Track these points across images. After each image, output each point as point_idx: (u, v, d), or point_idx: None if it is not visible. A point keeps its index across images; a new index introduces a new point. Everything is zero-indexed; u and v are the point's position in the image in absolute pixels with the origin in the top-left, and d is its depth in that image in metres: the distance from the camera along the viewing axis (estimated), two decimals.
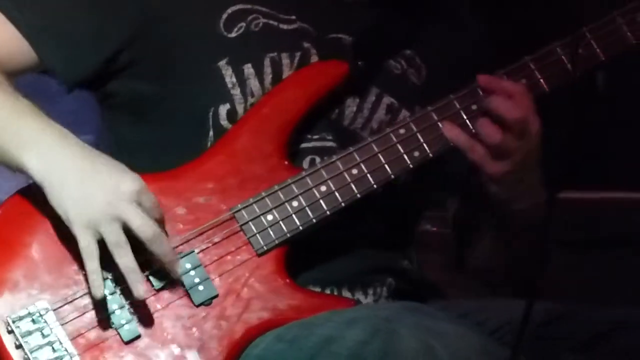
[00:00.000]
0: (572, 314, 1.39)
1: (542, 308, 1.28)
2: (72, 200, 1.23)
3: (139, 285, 1.21)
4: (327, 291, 1.44)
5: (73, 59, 1.42)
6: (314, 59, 1.48)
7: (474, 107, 1.41)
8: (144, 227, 1.21)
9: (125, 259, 1.20)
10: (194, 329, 1.28)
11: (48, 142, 1.27)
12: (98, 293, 1.21)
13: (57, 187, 1.23)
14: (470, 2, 1.80)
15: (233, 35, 1.46)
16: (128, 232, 1.21)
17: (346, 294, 1.46)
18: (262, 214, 1.34)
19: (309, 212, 1.36)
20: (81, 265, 1.23)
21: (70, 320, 1.22)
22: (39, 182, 1.21)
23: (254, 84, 1.45)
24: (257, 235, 1.33)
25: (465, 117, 1.41)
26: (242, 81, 1.45)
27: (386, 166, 1.39)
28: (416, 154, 1.39)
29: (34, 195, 1.27)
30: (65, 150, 1.27)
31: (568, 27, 1.43)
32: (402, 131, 1.40)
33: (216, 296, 1.30)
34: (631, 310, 1.41)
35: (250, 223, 1.33)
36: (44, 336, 1.22)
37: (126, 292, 1.25)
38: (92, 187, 1.24)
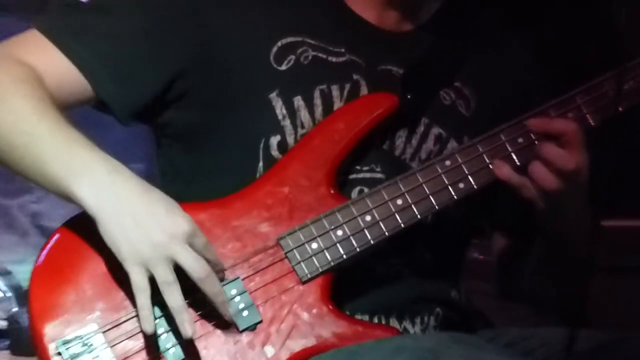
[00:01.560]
0: (617, 342, 1.35)
1: (587, 336, 1.19)
2: (125, 238, 1.24)
3: (187, 325, 1.23)
4: (375, 320, 1.44)
5: (127, 91, 1.44)
6: (364, 90, 1.49)
7: (520, 140, 1.42)
8: (196, 268, 1.22)
9: (174, 298, 1.22)
10: (238, 355, 1.29)
11: (101, 173, 1.27)
12: (148, 327, 1.23)
13: (110, 222, 1.24)
14: (522, 22, 1.87)
15: (283, 67, 1.48)
16: (178, 269, 1.23)
17: (394, 323, 1.46)
18: (307, 242, 1.35)
19: (353, 242, 1.35)
20: (129, 292, 1.25)
21: (118, 343, 1.24)
22: (92, 213, 1.23)
23: (304, 115, 1.46)
24: (302, 263, 1.34)
25: (510, 149, 1.42)
26: (292, 113, 1.46)
27: (431, 197, 1.39)
28: (461, 185, 1.39)
29: (85, 222, 1.27)
30: (120, 184, 1.28)
31: (612, 60, 1.42)
32: (447, 162, 1.40)
33: (260, 322, 1.30)
34: None
35: (294, 251, 1.34)
36: (92, 358, 1.24)
37: (177, 320, 1.26)
38: (146, 227, 1.25)
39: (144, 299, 1.20)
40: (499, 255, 1.74)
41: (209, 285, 1.23)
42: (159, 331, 1.27)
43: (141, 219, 1.24)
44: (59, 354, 1.22)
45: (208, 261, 1.25)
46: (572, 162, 1.33)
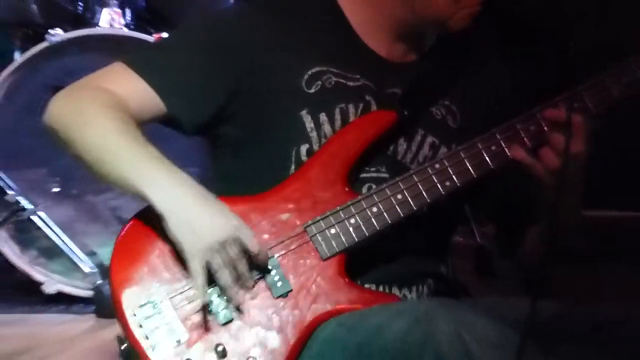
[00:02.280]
0: (573, 310, 1.54)
1: (548, 305, 1.41)
2: (186, 234, 1.46)
3: (236, 296, 1.45)
4: (380, 289, 1.66)
5: (192, 110, 1.67)
6: (373, 108, 1.70)
7: (493, 147, 1.62)
8: (249, 249, 1.47)
9: (225, 278, 1.44)
10: (274, 316, 1.49)
11: (168, 182, 1.49)
12: (203, 298, 1.45)
13: (174, 221, 1.45)
14: (500, 53, 1.96)
15: (312, 91, 1.68)
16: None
17: (395, 291, 1.68)
18: (327, 229, 1.56)
19: (363, 228, 1.56)
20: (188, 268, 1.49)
21: (181, 307, 1.45)
22: (160, 212, 1.45)
23: (327, 128, 1.67)
24: (323, 245, 1.55)
25: (484, 154, 1.63)
26: (318, 126, 1.67)
27: (424, 193, 1.59)
28: (447, 183, 1.59)
29: (151, 214, 1.49)
30: (182, 191, 1.49)
31: (567, 81, 1.57)
32: (437, 166, 1.60)
33: (291, 291, 1.51)
34: (631, 307, 1.51)
35: (317, 235, 1.54)
36: (161, 319, 1.45)
37: (227, 291, 1.48)
38: (204, 227, 1.46)
39: (200, 280, 1.41)
40: (497, 245, 1.98)
41: (261, 258, 1.47)
42: (212, 297, 1.47)
43: (199, 219, 1.46)
44: (134, 315, 1.43)
45: (249, 250, 1.46)
46: (576, 147, 1.52)
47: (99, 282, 2.86)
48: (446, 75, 1.83)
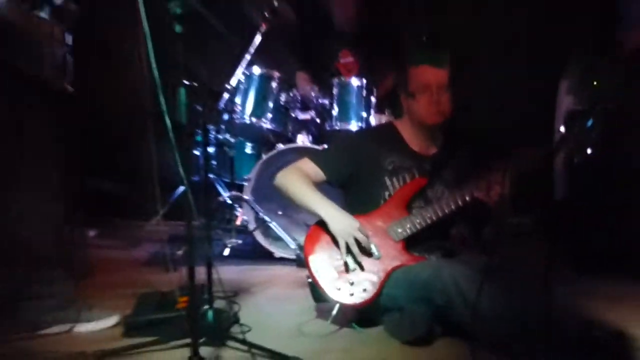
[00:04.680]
0: (504, 264, 2.21)
1: (497, 262, 2.12)
2: (337, 229, 2.40)
3: (357, 257, 2.33)
4: (416, 254, 2.46)
5: (337, 179, 2.62)
6: (416, 176, 2.58)
7: (468, 192, 2.42)
8: (362, 238, 2.35)
9: (355, 249, 2.33)
10: (374, 267, 2.42)
11: (328, 207, 2.42)
12: (344, 258, 2.30)
13: (332, 223, 2.39)
14: (470, 148, 2.74)
15: (389, 168, 2.61)
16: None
17: (425, 255, 2.51)
18: (396, 228, 2.48)
19: (410, 227, 2.47)
20: (338, 246, 2.38)
21: (334, 262, 2.41)
22: (325, 219, 2.39)
23: (396, 185, 2.57)
24: (394, 235, 2.46)
25: (465, 194, 2.42)
26: (392, 184, 2.57)
27: (438, 212, 2.49)
28: (447, 209, 2.48)
29: (320, 223, 2.41)
30: (334, 210, 2.42)
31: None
32: (443, 201, 2.49)
33: (380, 257, 2.41)
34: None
35: (391, 231, 2.45)
36: (324, 267, 2.42)
37: (354, 256, 2.37)
38: (343, 223, 2.39)
39: (343, 249, 2.31)
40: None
41: (364, 242, 2.37)
42: (347, 258, 2.40)
43: (342, 221, 2.40)
44: (312, 264, 2.41)
45: (361, 238, 2.34)
46: (503, 192, 2.29)
47: (298, 252, 3.81)
48: (448, 159, 2.69)
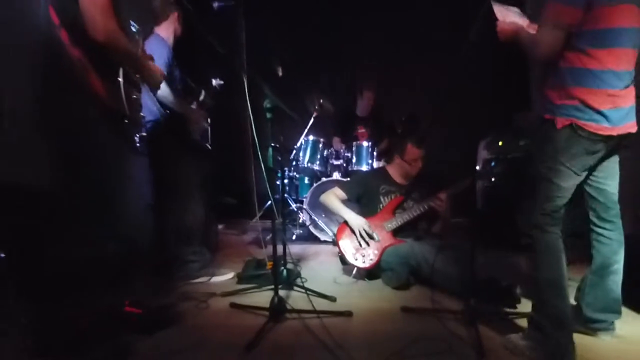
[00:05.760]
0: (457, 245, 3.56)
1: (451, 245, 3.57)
2: (354, 224, 4.12)
3: (365, 240, 3.99)
4: (400, 238, 4.02)
5: (353, 197, 4.33)
6: (397, 196, 4.21)
7: (426, 207, 4.03)
8: (368, 230, 4.03)
9: (364, 235, 4.03)
10: (375, 246, 4.08)
11: (351, 213, 4.15)
12: (359, 240, 3.95)
13: (351, 221, 4.14)
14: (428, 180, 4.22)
15: (382, 191, 4.28)
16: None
17: (404, 238, 4.06)
18: (388, 223, 4.13)
19: (395, 223, 4.13)
20: (354, 232, 4.07)
21: (352, 242, 4.10)
22: (347, 219, 4.12)
23: (386, 201, 4.24)
24: (387, 227, 4.11)
25: (425, 205, 4.03)
26: (384, 200, 4.23)
27: (410, 214, 4.14)
28: (415, 214, 4.15)
29: (346, 221, 4.14)
30: (354, 214, 4.13)
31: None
32: (413, 209, 4.12)
33: (379, 240, 4.09)
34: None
35: (385, 225, 4.10)
36: (348, 246, 4.10)
37: (364, 239, 4.05)
38: (357, 221, 4.10)
39: (358, 236, 4.03)
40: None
41: (369, 232, 4.08)
42: (361, 243, 4.11)
43: (356, 221, 4.15)
44: (341, 243, 4.10)
45: (366, 229, 4.03)
46: (443, 206, 3.94)
47: (333, 238, 4.87)
48: (415, 186, 4.22)
